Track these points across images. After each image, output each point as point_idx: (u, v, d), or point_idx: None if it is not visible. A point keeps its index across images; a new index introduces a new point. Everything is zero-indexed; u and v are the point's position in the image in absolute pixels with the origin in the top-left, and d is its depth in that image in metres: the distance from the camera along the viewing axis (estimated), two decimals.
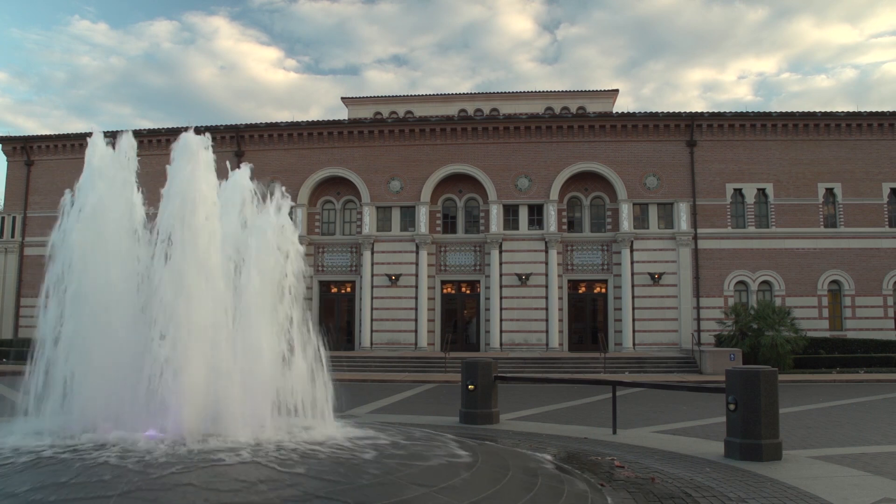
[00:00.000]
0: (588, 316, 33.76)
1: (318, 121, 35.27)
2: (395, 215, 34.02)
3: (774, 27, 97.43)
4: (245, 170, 8.90)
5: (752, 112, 33.03)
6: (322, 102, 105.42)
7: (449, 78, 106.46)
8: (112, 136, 8.76)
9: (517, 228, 33.29)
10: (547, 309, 32.48)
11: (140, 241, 8.39)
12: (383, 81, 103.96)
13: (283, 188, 8.98)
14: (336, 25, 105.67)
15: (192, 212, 7.72)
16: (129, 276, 8.15)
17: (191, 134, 8.22)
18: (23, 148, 36.95)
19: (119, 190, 8.42)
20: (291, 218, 8.87)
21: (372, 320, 33.26)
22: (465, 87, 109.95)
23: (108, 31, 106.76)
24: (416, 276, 33.34)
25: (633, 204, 32.68)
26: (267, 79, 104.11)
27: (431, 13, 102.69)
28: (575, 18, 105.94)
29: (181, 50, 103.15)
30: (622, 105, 43.23)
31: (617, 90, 43.25)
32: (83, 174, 8.38)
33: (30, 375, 7.53)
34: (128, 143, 8.68)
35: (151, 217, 8.21)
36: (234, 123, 35.10)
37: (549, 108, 40.50)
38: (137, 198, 8.63)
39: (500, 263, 32.95)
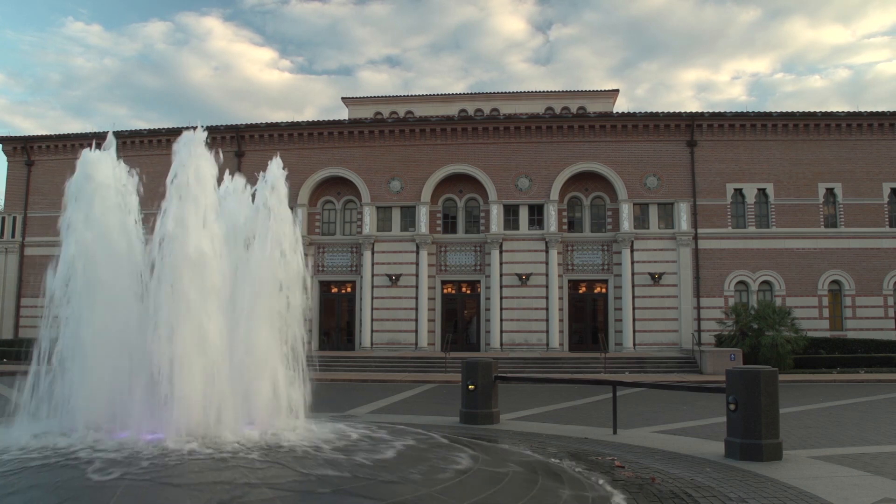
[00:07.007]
0: (588, 316, 33.75)
1: (318, 121, 35.28)
2: (396, 215, 34.02)
3: (767, 28, 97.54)
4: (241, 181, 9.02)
5: (753, 112, 33.03)
6: (317, 103, 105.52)
7: (442, 79, 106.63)
8: (104, 138, 8.74)
9: (517, 228, 33.29)
10: (547, 309, 32.48)
11: (141, 245, 8.38)
12: (377, 82, 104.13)
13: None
14: (328, 27, 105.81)
15: (191, 217, 7.72)
16: (131, 277, 8.13)
17: (191, 136, 8.17)
18: (23, 148, 36.97)
19: (119, 195, 8.41)
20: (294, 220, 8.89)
21: (372, 320, 33.25)
22: (458, 88, 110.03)
23: (101, 32, 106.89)
24: (417, 276, 33.33)
25: (634, 204, 32.67)
26: (261, 79, 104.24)
27: (423, 14, 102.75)
28: (567, 19, 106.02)
29: (175, 51, 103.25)
30: (617, 106, 43.18)
31: (617, 90, 43.26)
32: (82, 180, 8.31)
33: (31, 376, 7.53)
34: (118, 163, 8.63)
35: (150, 219, 8.19)
36: (234, 124, 35.12)
37: (549, 109, 40.49)
38: (137, 202, 8.64)
39: (501, 263, 32.94)
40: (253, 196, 9.01)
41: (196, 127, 8.24)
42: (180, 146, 8.06)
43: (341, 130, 34.49)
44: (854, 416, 14.47)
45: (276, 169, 8.82)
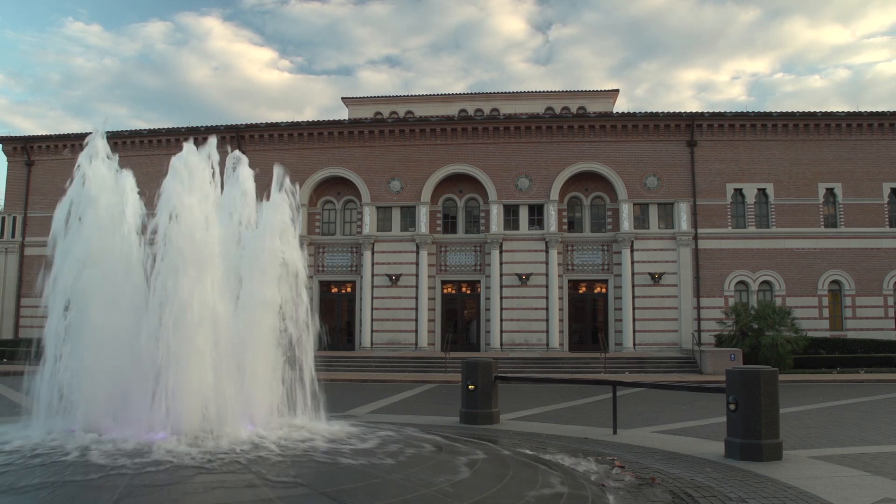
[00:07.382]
0: (588, 316, 33.74)
1: (318, 121, 35.29)
2: (396, 215, 34.02)
3: (767, 28, 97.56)
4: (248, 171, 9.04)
5: (753, 112, 33.03)
6: (316, 103, 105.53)
7: (442, 79, 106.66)
8: (110, 137, 8.75)
9: (517, 228, 33.28)
10: (547, 309, 32.47)
11: (141, 243, 8.39)
12: (377, 82, 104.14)
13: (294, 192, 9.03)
14: (328, 27, 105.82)
15: (191, 218, 7.71)
16: (131, 277, 8.13)
17: (190, 145, 8.23)
18: (23, 148, 36.97)
19: (118, 195, 8.42)
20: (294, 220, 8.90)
21: (372, 320, 33.25)
22: (458, 88, 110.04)
23: (101, 32, 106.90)
24: (417, 276, 33.33)
25: (634, 204, 32.67)
26: (261, 79, 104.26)
27: (423, 14, 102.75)
28: (566, 19, 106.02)
29: (175, 51, 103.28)
30: (617, 106, 43.25)
31: (617, 90, 43.26)
32: (81, 182, 8.32)
33: (32, 376, 7.53)
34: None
35: (151, 216, 8.19)
36: (234, 124, 35.13)
37: (549, 109, 40.49)
38: (136, 200, 8.65)
39: (501, 263, 32.94)
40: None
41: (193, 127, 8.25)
42: (177, 160, 8.07)
43: (341, 130, 34.49)
44: (854, 416, 14.47)
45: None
